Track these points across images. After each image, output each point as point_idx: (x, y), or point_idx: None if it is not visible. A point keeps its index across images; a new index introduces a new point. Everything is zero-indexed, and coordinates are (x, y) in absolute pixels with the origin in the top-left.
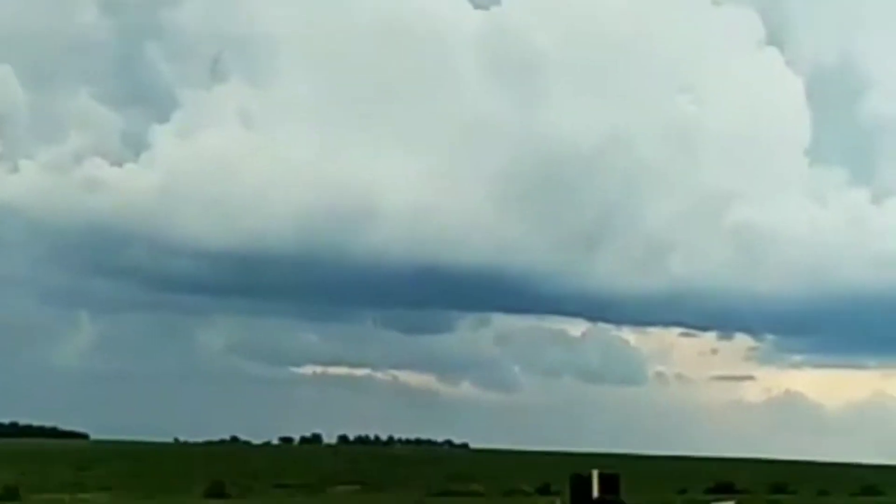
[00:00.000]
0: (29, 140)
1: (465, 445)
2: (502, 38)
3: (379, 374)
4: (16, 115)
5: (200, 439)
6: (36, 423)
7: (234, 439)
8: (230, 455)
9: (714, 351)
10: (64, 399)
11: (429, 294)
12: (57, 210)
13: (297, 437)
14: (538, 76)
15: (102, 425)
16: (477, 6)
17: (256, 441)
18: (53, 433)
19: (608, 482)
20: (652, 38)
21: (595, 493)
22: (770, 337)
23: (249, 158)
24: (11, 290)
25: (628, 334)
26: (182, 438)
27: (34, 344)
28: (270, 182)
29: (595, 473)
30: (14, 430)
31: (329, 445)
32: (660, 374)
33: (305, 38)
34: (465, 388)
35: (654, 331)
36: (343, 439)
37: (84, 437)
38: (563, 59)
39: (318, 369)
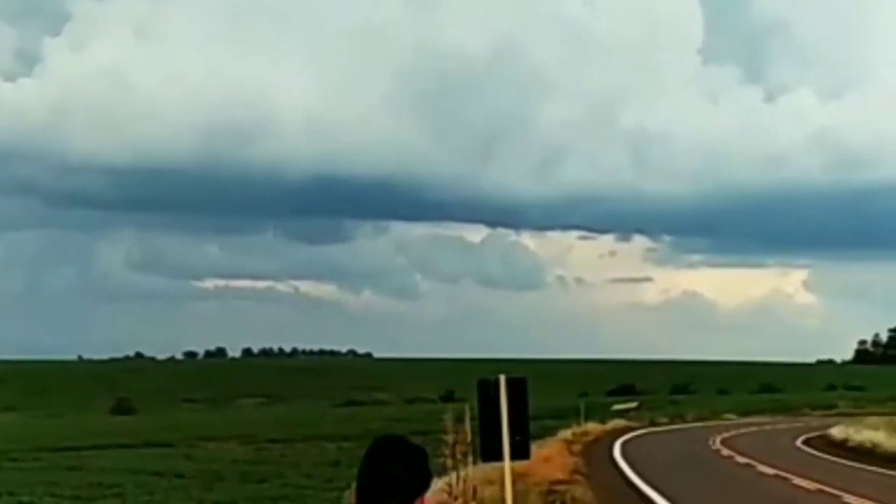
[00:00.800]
0: None
1: (368, 355)
2: None
3: (280, 286)
4: None
5: (104, 356)
6: None
7: (139, 355)
8: (135, 371)
9: (612, 253)
10: None
11: (327, 204)
12: None
13: (201, 352)
14: None
15: (5, 345)
16: None
17: (161, 356)
18: None
19: (515, 387)
20: None
21: (503, 398)
22: (667, 238)
23: (144, 70)
24: None
25: (528, 239)
26: (86, 356)
27: None
28: (166, 94)
29: (502, 378)
30: None
31: (233, 359)
32: (560, 278)
33: None
34: (367, 298)
35: (553, 235)
36: (247, 352)
37: None
38: None
39: (220, 282)
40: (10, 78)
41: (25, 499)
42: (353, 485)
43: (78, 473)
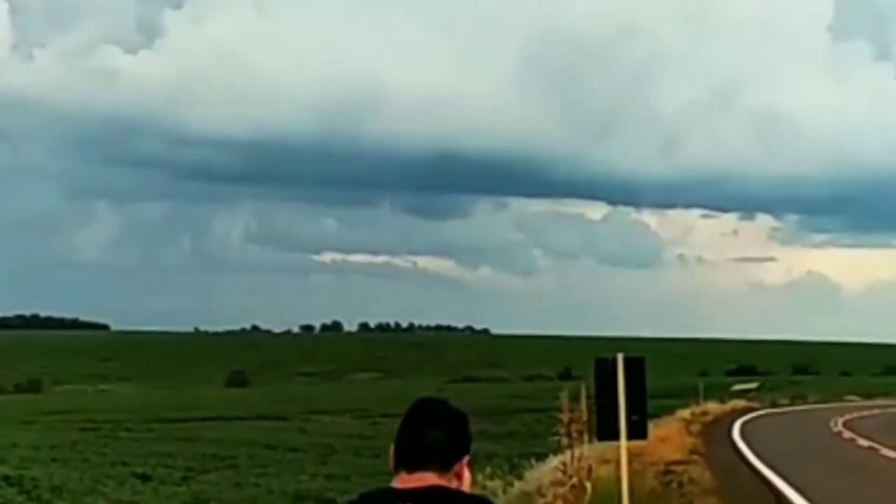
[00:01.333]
0: (43, 29)
1: (485, 331)
2: None
3: (398, 261)
4: (29, 4)
5: (221, 329)
6: (57, 314)
7: (255, 328)
8: (251, 344)
9: (735, 232)
10: (85, 290)
11: (447, 179)
12: (72, 100)
13: (317, 325)
14: None
15: (123, 316)
16: None
17: (277, 330)
18: (75, 324)
19: (633, 366)
20: None
21: (620, 377)
22: (792, 217)
23: (263, 45)
24: (30, 181)
25: (649, 217)
26: (202, 328)
27: (54, 235)
28: (284, 69)
29: (620, 357)
30: (36, 321)
31: (349, 333)
32: (680, 257)
33: None
34: (485, 274)
35: (675, 213)
36: (363, 326)
37: (105, 328)
38: None
39: (337, 256)
40: (132, 50)
41: (139, 469)
42: (392, 447)
43: (191, 445)
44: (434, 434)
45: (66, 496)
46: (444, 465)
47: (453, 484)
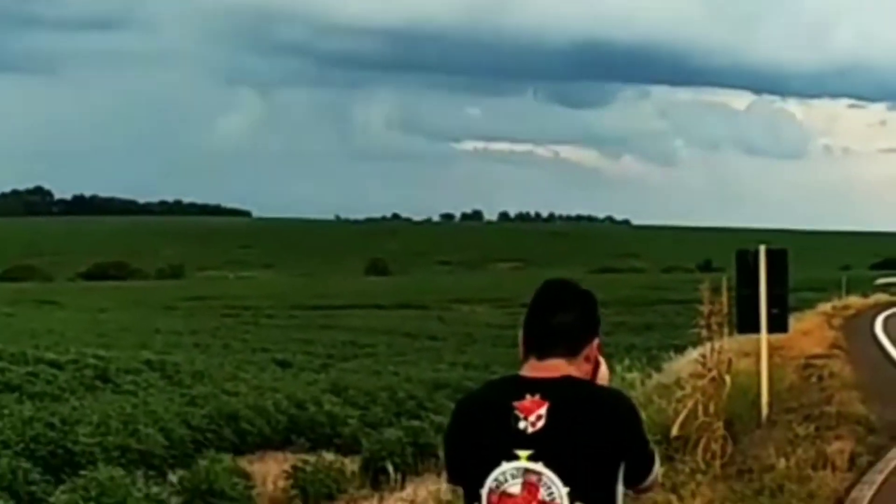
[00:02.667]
0: None
1: (626, 222)
2: None
3: (540, 150)
4: None
5: (361, 216)
6: (199, 200)
7: (395, 216)
8: (391, 232)
9: (883, 123)
10: (227, 177)
11: (591, 68)
12: None
13: (457, 214)
14: None
15: (265, 203)
16: None
17: (417, 218)
18: (217, 211)
19: (775, 258)
20: None
21: (762, 269)
22: None
23: None
24: (175, 68)
25: (794, 107)
26: (343, 216)
27: (196, 122)
28: None
29: (762, 249)
30: (178, 208)
31: (489, 222)
32: (826, 147)
33: None
34: (627, 163)
35: (821, 103)
36: (504, 216)
37: (247, 214)
38: None
39: (479, 145)
40: None
41: (279, 356)
42: (521, 331)
43: (331, 332)
44: (562, 316)
45: (208, 381)
46: (573, 347)
47: (583, 368)
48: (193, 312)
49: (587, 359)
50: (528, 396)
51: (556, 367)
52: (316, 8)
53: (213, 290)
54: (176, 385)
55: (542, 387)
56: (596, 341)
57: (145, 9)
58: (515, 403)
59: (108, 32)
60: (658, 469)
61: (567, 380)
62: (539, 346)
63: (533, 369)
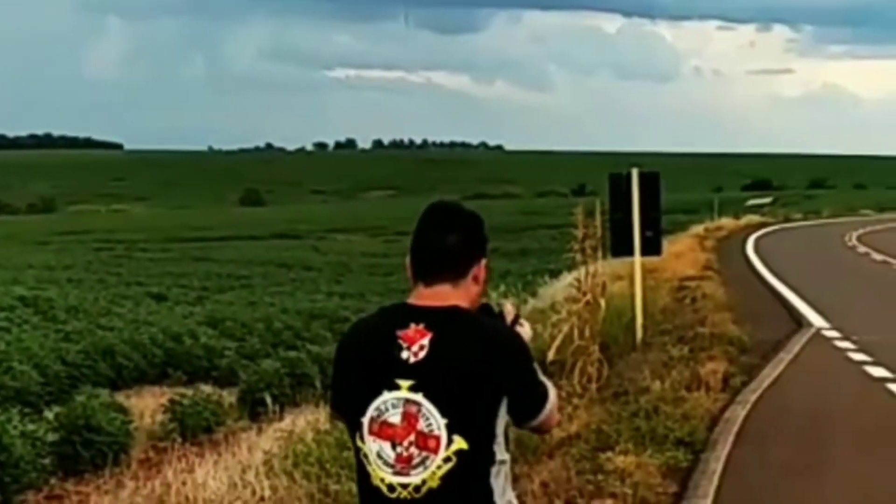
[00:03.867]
0: None
1: (499, 147)
2: None
3: (413, 77)
4: None
5: (234, 147)
6: (70, 133)
7: (269, 146)
8: (265, 162)
9: (752, 44)
10: (97, 109)
11: None
12: None
13: (331, 143)
14: None
15: (137, 135)
16: None
17: (290, 147)
18: (87, 143)
19: (648, 181)
20: None
21: (635, 192)
22: (809, 28)
23: None
24: None
25: (664, 29)
26: (216, 146)
27: (64, 53)
28: None
29: (635, 172)
30: (48, 141)
31: (363, 150)
32: (696, 69)
33: None
34: (500, 89)
35: (691, 25)
36: (377, 143)
37: (118, 147)
38: None
39: (351, 72)
40: None
41: (154, 289)
42: (407, 259)
43: (206, 264)
44: (448, 237)
45: (82, 316)
46: (460, 268)
47: (472, 290)
48: (66, 247)
49: (475, 280)
50: (412, 325)
51: (443, 295)
52: None
53: (86, 224)
54: (50, 321)
55: (427, 316)
56: (483, 261)
57: None
58: (399, 332)
59: None
60: (552, 406)
61: (453, 309)
62: (425, 270)
63: (420, 297)
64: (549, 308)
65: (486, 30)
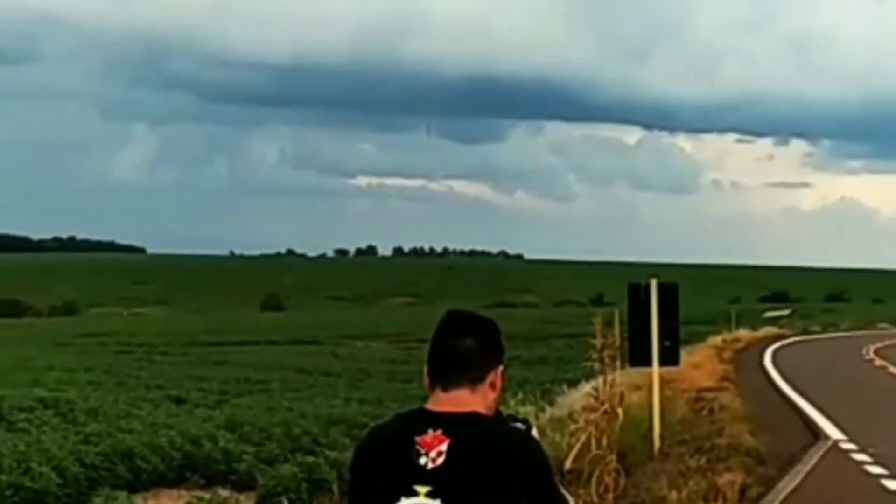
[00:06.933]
0: None
1: (519, 256)
2: None
3: (433, 185)
4: None
5: (256, 252)
6: (94, 237)
7: (290, 252)
8: (285, 268)
9: (770, 157)
10: (121, 213)
11: (483, 103)
12: (106, 19)
13: (352, 250)
14: None
15: (159, 239)
16: None
17: (311, 253)
18: (111, 247)
19: (667, 291)
20: None
21: (653, 302)
22: (826, 142)
23: None
24: (64, 103)
25: (683, 141)
26: (238, 251)
27: (90, 158)
28: None
29: (654, 283)
30: (72, 244)
31: (384, 257)
32: (715, 182)
33: None
34: (520, 198)
35: (710, 137)
36: (398, 251)
37: (141, 251)
38: None
39: (373, 180)
40: None
41: (174, 392)
42: (425, 366)
43: (225, 368)
44: (465, 342)
45: (102, 418)
46: (477, 374)
47: (489, 397)
48: (87, 349)
49: (492, 386)
50: (430, 431)
51: (461, 401)
52: (203, 41)
53: (107, 326)
54: (70, 423)
55: (445, 422)
56: (500, 368)
57: (36, 44)
58: (417, 438)
59: None
60: None
61: (472, 416)
62: (443, 375)
63: (438, 402)
64: (566, 417)
65: (507, 140)
